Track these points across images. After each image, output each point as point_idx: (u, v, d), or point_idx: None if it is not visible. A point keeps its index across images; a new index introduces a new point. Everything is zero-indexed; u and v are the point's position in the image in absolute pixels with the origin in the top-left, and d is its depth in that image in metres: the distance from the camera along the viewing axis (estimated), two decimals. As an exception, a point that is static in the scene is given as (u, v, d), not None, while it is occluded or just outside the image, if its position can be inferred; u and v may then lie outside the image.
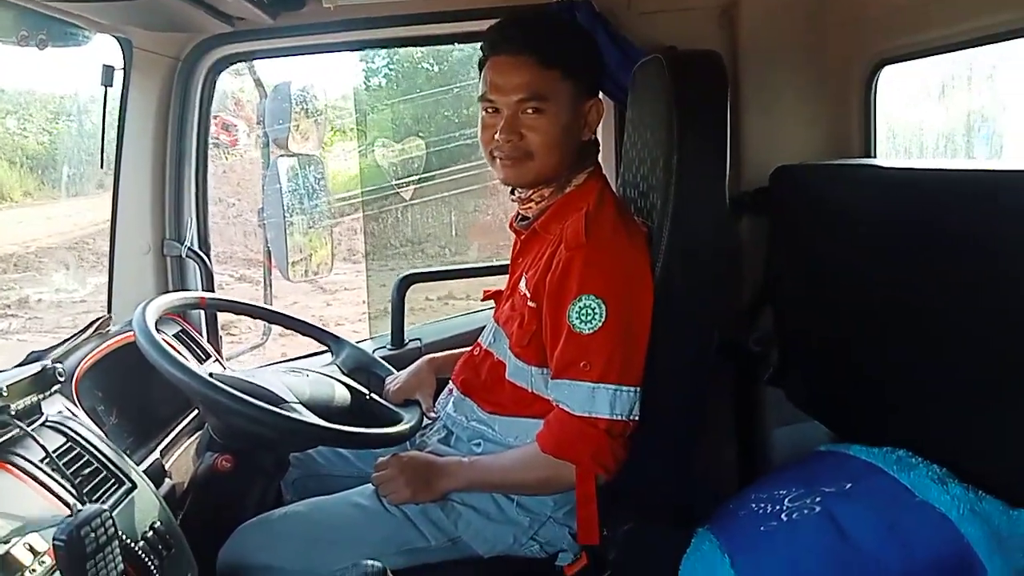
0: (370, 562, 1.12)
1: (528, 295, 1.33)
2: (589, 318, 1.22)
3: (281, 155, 2.01)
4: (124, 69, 1.66)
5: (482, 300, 1.64)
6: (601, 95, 1.80)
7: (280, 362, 1.98)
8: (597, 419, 1.22)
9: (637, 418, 1.25)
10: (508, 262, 1.50)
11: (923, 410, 1.31)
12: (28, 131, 9.17)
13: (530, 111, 1.28)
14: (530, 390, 1.35)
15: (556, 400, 1.27)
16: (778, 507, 1.25)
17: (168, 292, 1.79)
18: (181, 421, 1.59)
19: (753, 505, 1.30)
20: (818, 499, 1.22)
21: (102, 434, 1.21)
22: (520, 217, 1.43)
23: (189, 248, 1.81)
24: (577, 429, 1.23)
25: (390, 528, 1.32)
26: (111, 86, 1.65)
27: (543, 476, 1.28)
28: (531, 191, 1.35)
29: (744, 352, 1.82)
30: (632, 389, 1.24)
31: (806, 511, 1.20)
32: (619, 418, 1.23)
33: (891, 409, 1.39)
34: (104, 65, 1.65)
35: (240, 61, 1.82)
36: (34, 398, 1.06)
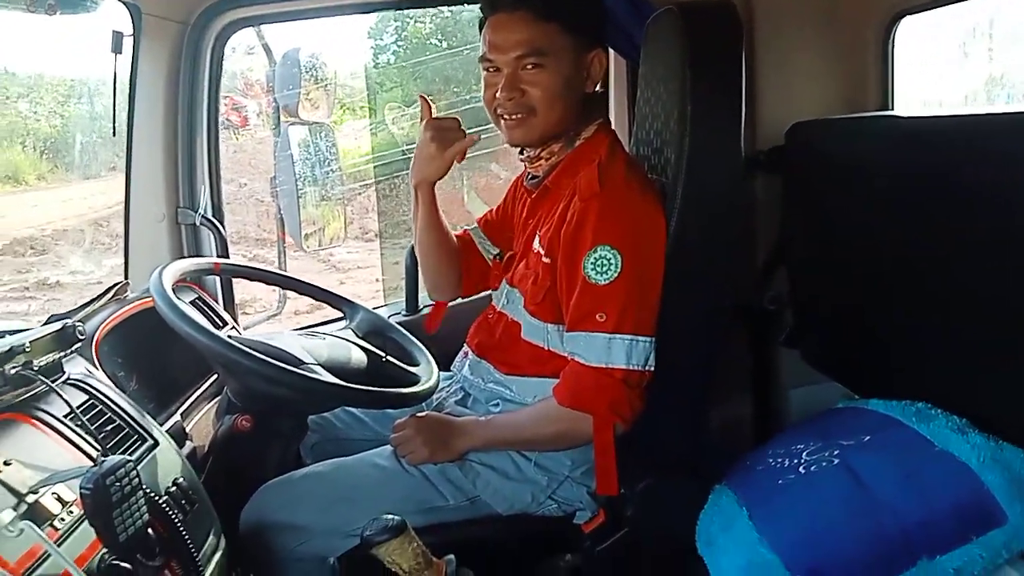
0: (389, 516, 1.13)
1: (542, 252, 1.32)
2: (605, 269, 1.21)
3: (292, 123, 2.00)
4: (133, 35, 1.64)
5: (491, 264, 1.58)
6: (613, 53, 1.80)
7: (296, 329, 1.99)
8: (613, 369, 1.22)
9: (652, 368, 1.25)
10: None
11: (941, 364, 1.30)
12: (40, 114, 9.20)
13: (530, 67, 1.26)
14: (546, 348, 1.35)
15: (571, 353, 1.26)
16: (795, 461, 1.25)
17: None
18: (200, 386, 1.61)
19: (770, 460, 1.30)
20: (836, 452, 1.22)
21: (123, 394, 1.22)
22: (530, 176, 1.42)
23: (203, 216, 1.81)
24: (593, 380, 1.23)
25: (409, 487, 1.33)
26: (120, 53, 1.64)
27: (560, 429, 1.28)
28: (539, 149, 1.34)
29: (759, 312, 1.81)
30: (648, 339, 1.24)
31: (824, 463, 1.20)
32: (635, 368, 1.23)
33: (909, 365, 1.38)
34: (113, 31, 1.63)
35: (249, 25, 1.81)
36: (56, 355, 1.07)
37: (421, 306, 1.96)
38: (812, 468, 1.20)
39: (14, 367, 0.99)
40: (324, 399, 1.32)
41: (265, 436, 1.39)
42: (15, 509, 0.85)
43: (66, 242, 7.40)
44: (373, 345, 1.54)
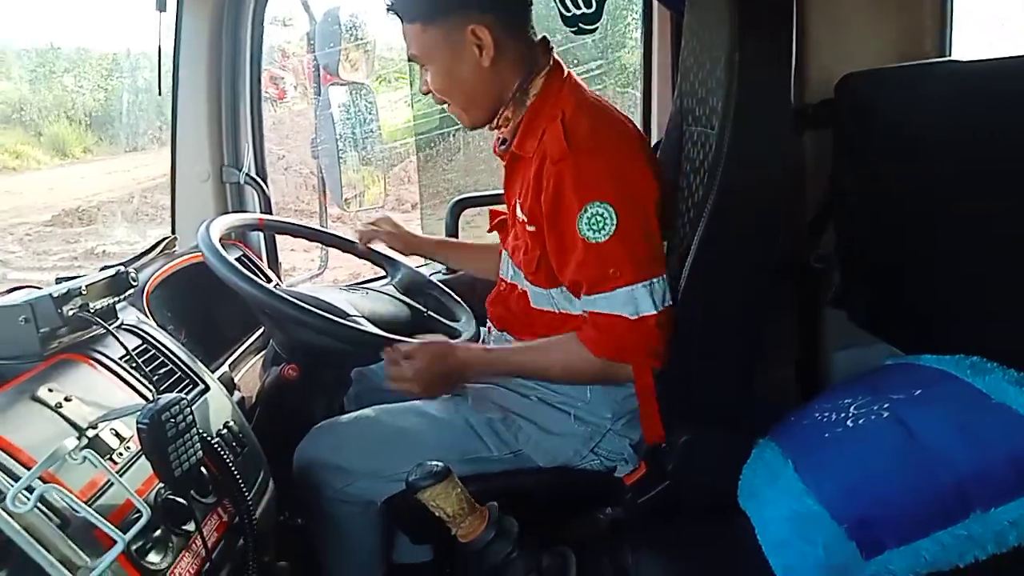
0: (434, 462, 1.14)
1: (525, 220, 1.31)
2: (601, 225, 1.20)
3: (332, 83, 2.01)
4: (177, -7, 1.67)
5: (488, 231, 1.59)
6: (657, 5, 1.77)
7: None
8: (647, 317, 1.22)
9: (671, 303, 1.25)
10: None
11: (999, 318, 1.26)
12: (85, 88, 9.40)
13: (424, 69, 1.30)
14: (557, 311, 1.34)
15: (600, 308, 1.25)
16: (843, 414, 1.22)
17: (228, 214, 1.82)
18: (247, 339, 1.64)
19: (816, 415, 1.28)
20: (885, 405, 1.19)
21: (175, 340, 1.25)
22: (500, 141, 1.40)
23: (247, 174, 1.84)
24: (629, 330, 1.22)
25: (454, 436, 1.34)
26: (164, 11, 1.66)
27: (594, 378, 1.30)
28: (497, 118, 1.33)
29: (805, 271, 1.77)
30: (661, 277, 1.24)
31: (872, 416, 1.17)
32: (663, 308, 1.23)
33: (964, 320, 1.34)
34: (158, -12, 1.65)
35: (290, -18, 1.81)
36: (111, 300, 1.10)
37: (461, 266, 1.96)
38: (860, 421, 1.17)
39: (71, 309, 1.02)
40: (369, 349, 1.34)
41: (310, 386, 1.42)
42: (78, 443, 0.88)
43: (111, 213, 7.58)
44: (414, 301, 1.55)
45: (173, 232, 1.77)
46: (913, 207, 1.44)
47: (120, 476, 0.90)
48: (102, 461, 0.86)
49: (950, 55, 1.66)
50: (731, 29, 1.22)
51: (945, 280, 1.38)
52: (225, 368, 1.49)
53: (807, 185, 1.74)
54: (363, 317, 1.36)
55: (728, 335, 1.34)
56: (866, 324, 1.68)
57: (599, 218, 1.19)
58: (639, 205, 1.23)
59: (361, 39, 2.04)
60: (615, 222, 1.19)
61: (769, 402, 1.67)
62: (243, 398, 1.47)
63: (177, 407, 0.92)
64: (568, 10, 1.79)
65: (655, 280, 1.23)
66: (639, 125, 2.12)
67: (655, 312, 1.22)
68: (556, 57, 1.33)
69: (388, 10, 1.28)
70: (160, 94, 1.74)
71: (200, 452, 0.97)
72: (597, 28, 1.82)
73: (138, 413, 0.90)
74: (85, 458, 0.86)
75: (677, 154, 1.57)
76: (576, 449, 1.36)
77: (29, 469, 0.79)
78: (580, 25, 1.81)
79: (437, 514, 1.14)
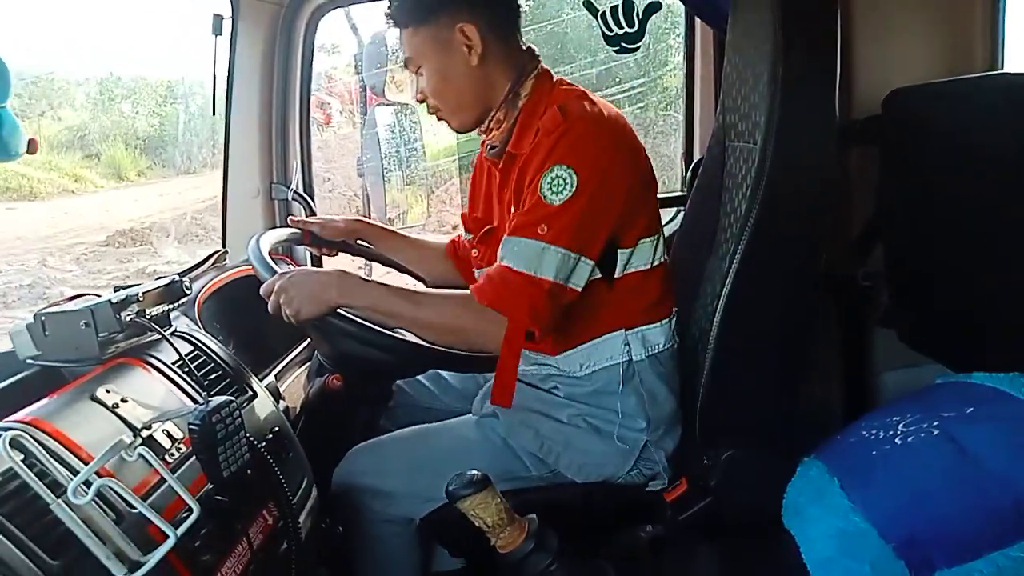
0: (473, 471, 1.14)
1: None
2: (560, 188, 1.18)
3: (378, 104, 2.06)
4: (232, 17, 1.73)
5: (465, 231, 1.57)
6: (700, 22, 1.78)
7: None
8: (541, 279, 1.18)
9: (580, 289, 1.21)
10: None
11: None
12: (141, 114, 9.76)
13: (418, 73, 1.32)
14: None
15: (502, 257, 1.22)
16: (891, 432, 1.20)
17: (276, 229, 1.87)
18: (292, 351, 1.67)
19: (864, 432, 1.25)
20: (935, 423, 1.16)
21: (225, 348, 1.28)
22: (489, 147, 1.39)
23: (295, 191, 1.89)
24: (520, 284, 1.18)
25: (493, 457, 1.34)
26: (220, 35, 1.73)
27: (465, 324, 1.22)
28: (488, 122, 1.34)
29: (852, 289, 1.74)
30: (585, 261, 1.21)
31: (922, 434, 1.15)
32: (561, 282, 1.19)
33: (1017, 338, 1.30)
34: (214, 15, 1.73)
35: (339, 6, 1.87)
36: (165, 307, 1.14)
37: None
38: (909, 439, 1.15)
39: (128, 315, 1.06)
40: (414, 362, 1.34)
41: (353, 397, 1.44)
42: (133, 441, 0.91)
43: (162, 234, 7.80)
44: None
45: (224, 246, 1.82)
46: (965, 223, 1.41)
47: (172, 475, 0.92)
48: (156, 459, 0.89)
49: (1002, 68, 1.63)
50: (775, 43, 1.22)
51: (998, 297, 1.35)
52: (271, 378, 1.52)
53: (853, 202, 1.72)
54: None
55: (771, 351, 1.32)
56: (916, 343, 1.64)
57: (561, 181, 1.18)
58: (606, 183, 1.21)
59: (407, 61, 2.10)
60: (574, 188, 1.18)
61: (813, 422, 1.64)
62: (287, 408, 1.50)
63: (227, 410, 0.95)
64: (610, 30, 1.81)
65: (576, 257, 1.19)
66: (681, 143, 2.12)
67: (552, 279, 1.18)
68: (544, 65, 1.36)
69: (387, 19, 1.32)
70: (214, 114, 1.80)
71: (247, 455, 0.99)
72: (639, 47, 1.84)
73: (190, 414, 0.93)
74: (140, 455, 0.89)
75: (720, 170, 1.56)
76: (617, 466, 1.35)
77: (87, 464, 0.82)
78: (622, 44, 1.83)
79: (476, 524, 1.14)
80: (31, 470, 0.77)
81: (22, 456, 0.78)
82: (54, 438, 0.85)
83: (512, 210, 1.32)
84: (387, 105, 2.07)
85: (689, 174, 1.98)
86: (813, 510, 1.17)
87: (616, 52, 1.83)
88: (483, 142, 1.40)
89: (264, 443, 1.13)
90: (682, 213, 1.86)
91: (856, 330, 1.80)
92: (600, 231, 1.22)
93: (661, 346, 1.34)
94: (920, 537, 1.02)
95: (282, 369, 1.61)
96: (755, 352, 1.29)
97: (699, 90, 1.81)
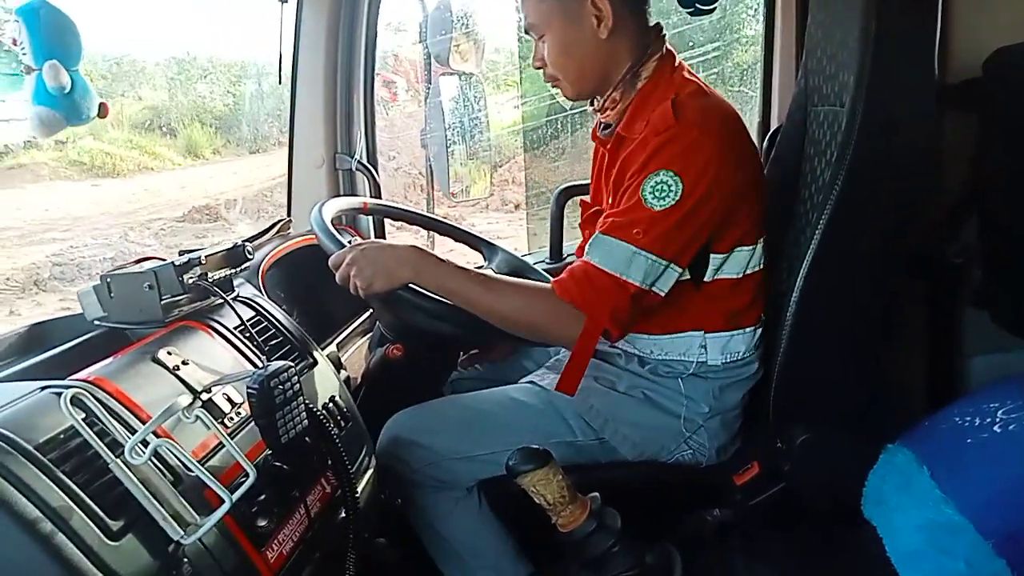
0: (534, 446, 1.11)
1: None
2: (664, 194, 1.14)
3: (443, 73, 2.02)
4: (298, -17, 1.72)
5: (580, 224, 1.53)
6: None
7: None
8: (628, 283, 1.15)
9: (664, 294, 1.18)
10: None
11: None
12: (215, 94, 10.06)
13: (540, 39, 1.28)
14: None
15: (591, 255, 1.19)
16: (989, 419, 1.11)
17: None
18: (354, 322, 1.67)
19: (957, 419, 1.16)
20: (1040, 411, 1.06)
21: (288, 316, 1.28)
22: (602, 127, 1.35)
23: (359, 161, 1.88)
24: (604, 285, 1.16)
25: (538, 418, 1.31)
26: (287, 2, 1.71)
27: (544, 320, 1.20)
28: (603, 99, 1.29)
29: (942, 267, 1.62)
30: (674, 268, 1.18)
31: (1025, 423, 1.05)
32: (648, 287, 1.17)
33: None
34: (281, -20, 1.72)
35: (406, -29, 1.84)
36: (228, 271, 1.13)
37: (566, 255, 1.93)
38: (1011, 427, 1.06)
39: (191, 278, 1.06)
40: (478, 333, 1.32)
41: (414, 368, 1.42)
42: (191, 403, 0.91)
43: (235, 210, 8.05)
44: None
45: (289, 215, 1.83)
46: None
47: (232, 438, 0.91)
48: (214, 422, 0.89)
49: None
50: None
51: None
52: (333, 348, 1.52)
53: (946, 172, 1.59)
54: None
55: (852, 330, 1.25)
56: (1012, 326, 1.52)
57: (664, 187, 1.14)
58: (709, 200, 1.16)
59: (472, 29, 2.05)
60: (677, 196, 1.14)
61: (895, 406, 1.54)
62: (348, 378, 1.49)
63: (285, 375, 0.94)
64: (684, -10, 1.72)
65: (666, 264, 1.16)
66: (758, 111, 2.02)
67: (639, 284, 1.16)
68: (669, 45, 1.29)
69: None
70: (280, 83, 1.80)
71: (306, 421, 0.98)
72: (715, 8, 1.74)
73: (249, 378, 0.92)
74: (198, 417, 0.88)
75: (800, 138, 1.47)
76: (664, 444, 1.31)
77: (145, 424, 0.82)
78: (697, 6, 1.74)
79: (537, 500, 1.11)
80: (91, 428, 0.77)
81: (83, 415, 0.78)
82: (115, 397, 0.85)
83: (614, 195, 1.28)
84: (451, 74, 2.03)
85: (766, 143, 1.89)
86: (899, 500, 1.09)
87: (690, 14, 1.74)
88: (597, 123, 1.37)
89: (323, 411, 1.12)
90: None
91: (946, 310, 1.68)
92: (696, 240, 1.19)
93: (741, 354, 1.29)
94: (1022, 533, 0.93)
95: (344, 339, 1.60)
96: (835, 331, 1.22)
97: (779, 49, 1.71)
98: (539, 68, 1.31)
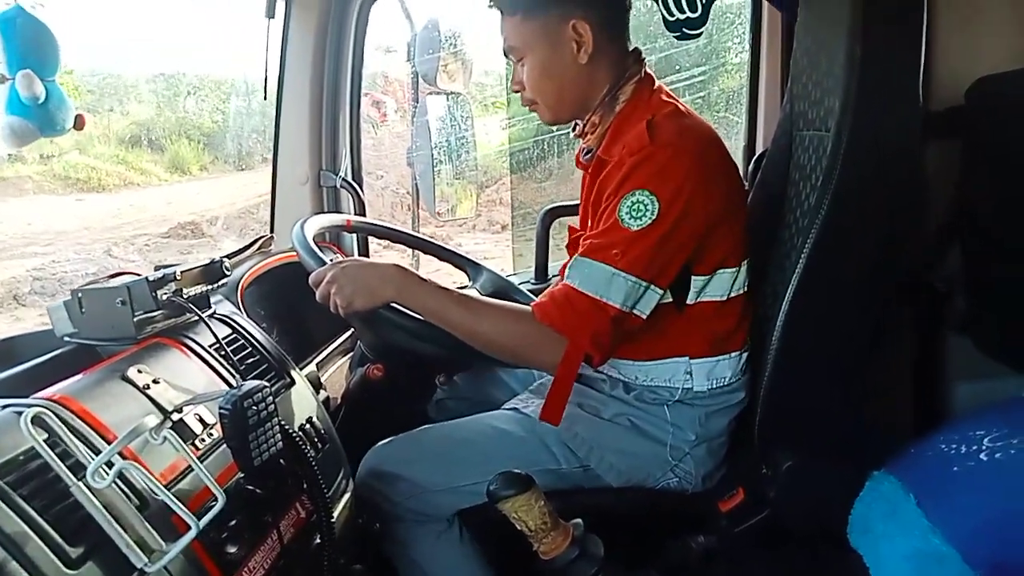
0: (516, 471, 1.09)
1: None
2: (640, 214, 1.13)
3: (430, 92, 2.02)
4: (285, 1, 1.71)
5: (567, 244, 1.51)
6: (767, 6, 1.68)
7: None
8: (608, 305, 1.13)
9: (645, 317, 1.16)
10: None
11: None
12: (204, 111, 10.05)
13: (519, 62, 1.27)
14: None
15: (570, 277, 1.17)
16: (975, 447, 1.09)
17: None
18: (335, 340, 1.64)
19: (943, 446, 1.15)
20: (1027, 439, 1.05)
21: (265, 334, 1.25)
22: (584, 151, 1.34)
23: (343, 179, 1.86)
24: (584, 308, 1.14)
25: (522, 447, 1.29)
26: (273, 18, 1.71)
27: (525, 344, 1.18)
28: (583, 124, 1.29)
29: (926, 293, 1.62)
30: (657, 290, 1.16)
31: (1012, 450, 1.04)
32: (628, 310, 1.15)
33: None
34: (267, -4, 1.71)
35: (393, -11, 1.84)
36: (204, 288, 1.11)
37: (551, 275, 1.92)
38: (997, 455, 1.04)
39: (165, 294, 1.03)
40: (460, 354, 1.30)
41: (396, 390, 1.40)
42: (160, 423, 0.88)
43: (220, 227, 8.01)
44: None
45: (272, 231, 1.81)
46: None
47: (200, 462, 0.88)
48: (182, 444, 0.85)
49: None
50: (852, 21, 1.13)
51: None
52: (312, 367, 1.49)
53: (931, 199, 1.60)
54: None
55: (838, 355, 1.24)
56: (996, 353, 1.52)
57: (641, 207, 1.13)
58: (687, 219, 1.15)
59: (459, 49, 2.05)
60: (654, 216, 1.12)
61: (882, 432, 1.53)
62: (328, 398, 1.47)
63: (260, 395, 0.91)
64: (671, 14, 1.72)
65: (646, 285, 1.15)
66: (744, 136, 2.02)
67: (619, 307, 1.14)
68: (648, 69, 1.29)
69: (490, 3, 1.27)
70: (265, 98, 1.79)
71: (280, 443, 0.95)
72: (701, 33, 1.75)
73: (221, 398, 0.90)
74: (166, 439, 0.85)
75: (786, 163, 1.47)
76: (650, 472, 1.29)
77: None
78: (684, 30, 1.75)
79: (518, 527, 1.08)
80: (53, 450, 0.74)
81: (45, 435, 0.75)
82: (80, 417, 0.82)
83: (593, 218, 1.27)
84: (438, 94, 2.03)
85: (752, 168, 1.89)
86: (885, 528, 1.07)
87: (677, 38, 1.75)
88: (580, 148, 1.35)
89: (299, 432, 1.09)
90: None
91: (930, 336, 1.68)
92: (675, 260, 1.18)
93: (727, 379, 1.28)
94: (1012, 563, 0.92)
95: (324, 358, 1.58)
96: (821, 357, 1.20)
97: (765, 73, 1.71)
98: (517, 91, 1.30)
